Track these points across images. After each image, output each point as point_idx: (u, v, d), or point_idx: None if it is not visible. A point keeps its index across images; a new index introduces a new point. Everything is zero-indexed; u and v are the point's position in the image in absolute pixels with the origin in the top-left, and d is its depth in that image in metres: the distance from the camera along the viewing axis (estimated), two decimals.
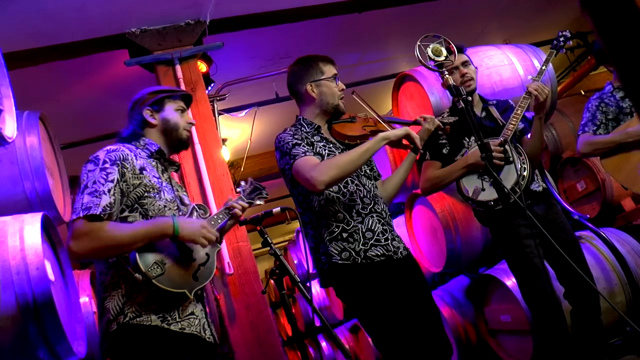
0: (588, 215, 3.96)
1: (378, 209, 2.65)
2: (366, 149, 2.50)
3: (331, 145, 2.70)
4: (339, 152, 2.66)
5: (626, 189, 3.27)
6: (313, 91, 2.74)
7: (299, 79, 2.78)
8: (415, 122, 2.95)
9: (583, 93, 6.55)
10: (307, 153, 2.56)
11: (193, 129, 3.85)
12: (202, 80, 4.13)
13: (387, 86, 5.76)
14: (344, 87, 2.81)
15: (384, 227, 2.62)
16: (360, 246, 2.54)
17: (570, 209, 4.00)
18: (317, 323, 7.36)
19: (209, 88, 4.53)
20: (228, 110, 5.38)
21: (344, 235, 2.56)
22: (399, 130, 2.55)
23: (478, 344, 4.27)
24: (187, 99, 2.52)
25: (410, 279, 2.63)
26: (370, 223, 2.59)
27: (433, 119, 2.89)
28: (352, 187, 2.63)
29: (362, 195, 2.63)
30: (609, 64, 3.42)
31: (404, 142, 2.60)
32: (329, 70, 2.77)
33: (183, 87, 3.95)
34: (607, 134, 3.29)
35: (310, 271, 7.10)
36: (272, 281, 10.20)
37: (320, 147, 2.65)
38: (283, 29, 4.86)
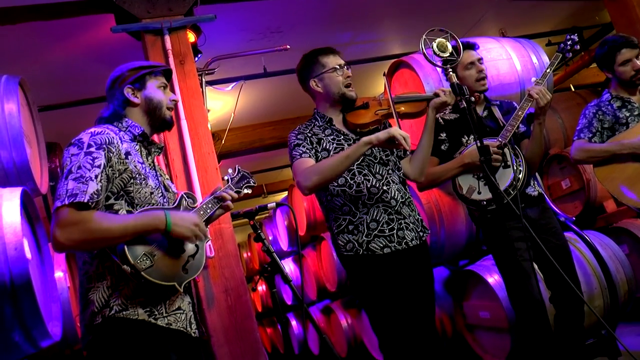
0: (574, 218, 3.96)
1: (386, 197, 2.68)
2: (347, 155, 2.55)
3: (341, 137, 2.77)
4: (347, 145, 2.72)
5: (616, 199, 3.25)
6: (317, 86, 2.81)
7: (304, 77, 2.86)
8: (435, 96, 2.88)
9: (573, 89, 6.54)
10: (304, 155, 2.67)
11: (180, 104, 3.73)
12: (192, 53, 3.96)
13: (379, 67, 5.67)
14: (350, 74, 2.81)
15: (390, 217, 2.67)
16: (364, 237, 2.62)
17: (556, 209, 4.00)
18: (288, 302, 7.34)
19: (196, 59, 4.37)
20: (214, 82, 5.22)
21: (350, 227, 2.66)
22: (382, 134, 2.51)
23: (454, 337, 4.28)
24: (167, 73, 2.38)
25: (413, 270, 2.69)
26: (375, 214, 2.66)
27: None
28: (359, 179, 2.69)
29: (369, 185, 2.68)
30: (607, 70, 3.38)
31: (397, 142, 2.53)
32: (330, 61, 2.80)
33: (171, 59, 3.79)
34: (602, 142, 3.27)
35: (285, 249, 7.02)
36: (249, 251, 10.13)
37: (328, 142, 2.74)
38: (277, 3, 4.72)
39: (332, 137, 2.74)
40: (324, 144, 2.71)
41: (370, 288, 2.63)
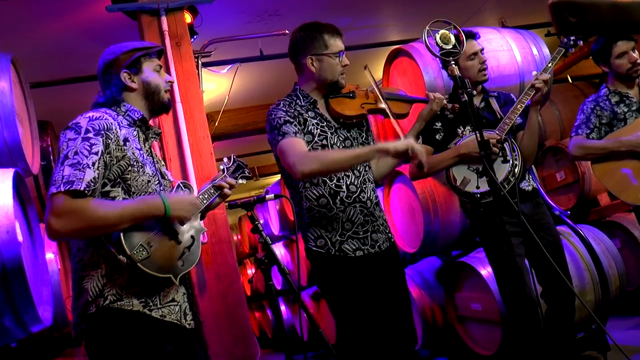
0: (568, 212, 3.96)
1: (363, 197, 2.60)
2: (357, 155, 2.47)
3: (325, 124, 2.63)
4: (331, 133, 2.62)
5: (614, 195, 3.26)
6: (313, 65, 2.62)
7: (300, 49, 2.65)
8: (424, 100, 2.83)
9: (570, 80, 6.51)
10: (297, 135, 2.51)
11: (175, 87, 3.68)
12: (189, 34, 3.91)
13: (376, 53, 5.62)
14: (348, 62, 2.65)
15: (366, 219, 2.59)
16: (337, 237, 2.54)
17: (550, 202, 3.98)
18: (278, 287, 7.32)
19: (192, 40, 4.31)
20: (209, 64, 5.15)
21: (324, 222, 2.55)
22: (401, 145, 2.40)
23: (444, 327, 4.28)
24: (159, 52, 2.31)
25: (385, 273, 2.62)
26: (351, 213, 2.56)
27: (441, 99, 2.79)
28: (340, 173, 2.57)
29: (349, 182, 2.58)
30: (604, 64, 3.37)
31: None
32: (335, 45, 2.62)
33: (168, 40, 3.73)
34: (600, 138, 3.26)
35: (277, 234, 6.93)
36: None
37: (312, 125, 2.60)
38: None
39: (316, 121, 2.60)
40: (309, 127, 2.57)
41: (340, 291, 2.53)
